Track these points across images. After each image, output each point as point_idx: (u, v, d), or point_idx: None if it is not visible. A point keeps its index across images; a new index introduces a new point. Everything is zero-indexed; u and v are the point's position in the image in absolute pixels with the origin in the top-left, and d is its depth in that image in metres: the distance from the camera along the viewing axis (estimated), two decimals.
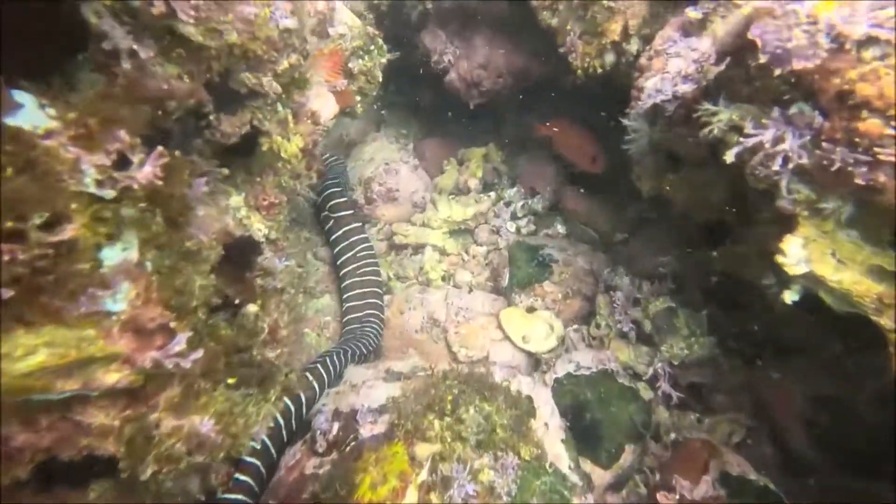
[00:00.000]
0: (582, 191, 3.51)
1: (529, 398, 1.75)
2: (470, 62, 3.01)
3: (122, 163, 0.81)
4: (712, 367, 2.15)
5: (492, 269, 3.25)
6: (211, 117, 1.10)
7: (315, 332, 2.54)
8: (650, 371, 2.22)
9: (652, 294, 2.33)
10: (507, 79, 2.99)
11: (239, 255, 1.11)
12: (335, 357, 1.96)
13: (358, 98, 1.87)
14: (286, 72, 1.14)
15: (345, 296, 2.82)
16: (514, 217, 3.62)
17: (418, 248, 3.43)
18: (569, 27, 1.97)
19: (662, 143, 1.61)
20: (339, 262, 2.93)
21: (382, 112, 4.30)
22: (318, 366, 1.84)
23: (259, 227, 1.28)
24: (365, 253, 2.95)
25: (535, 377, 2.11)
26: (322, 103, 1.51)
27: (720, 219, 1.69)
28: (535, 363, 2.64)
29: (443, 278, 3.25)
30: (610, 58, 1.94)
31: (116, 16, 0.85)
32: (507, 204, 3.73)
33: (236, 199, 1.24)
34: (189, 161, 0.95)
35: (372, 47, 1.80)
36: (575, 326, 2.87)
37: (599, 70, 1.96)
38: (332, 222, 3.04)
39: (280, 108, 1.22)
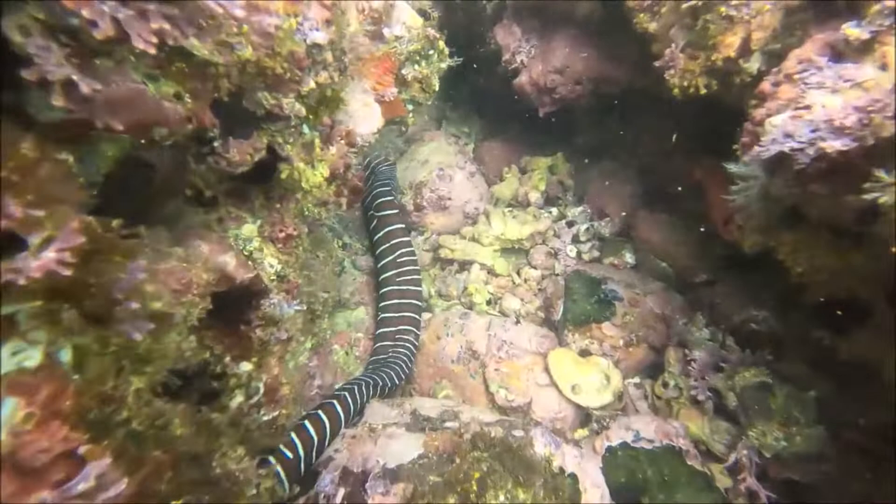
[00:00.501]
0: (662, 216, 3.12)
1: (574, 477, 1.51)
2: (545, 65, 2.74)
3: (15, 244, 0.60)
4: (820, 466, 1.74)
5: (544, 298, 2.98)
6: (216, 143, 0.97)
7: (344, 349, 2.44)
8: (731, 457, 1.86)
9: (741, 362, 1.96)
10: (587, 86, 2.69)
11: (237, 302, 0.98)
12: (356, 391, 1.84)
13: (410, 108, 1.70)
14: (313, 92, 0.99)
15: (381, 304, 2.71)
16: (576, 240, 3.32)
17: (465, 265, 3.25)
18: (671, 34, 1.66)
19: (784, 197, 1.28)
20: (378, 266, 2.84)
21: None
22: (335, 402, 1.73)
23: (271, 263, 1.15)
24: (406, 259, 2.82)
25: (584, 447, 1.84)
26: (364, 116, 1.36)
27: (854, 295, 1.33)
28: (585, 417, 2.37)
29: (488, 302, 3.04)
30: (718, 80, 1.60)
31: (51, 35, 0.64)
32: (570, 224, 3.43)
33: (249, 229, 1.13)
34: (128, 237, 0.72)
35: (431, 52, 1.62)
36: (636, 380, 2.55)
37: (703, 91, 1.63)
38: (376, 221, 2.95)
39: (306, 130, 1.08)
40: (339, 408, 1.74)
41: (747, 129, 1.36)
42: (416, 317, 2.68)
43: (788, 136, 1.12)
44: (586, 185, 3.60)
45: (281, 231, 1.17)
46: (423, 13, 1.73)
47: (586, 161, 3.71)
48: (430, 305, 3.08)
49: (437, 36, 1.61)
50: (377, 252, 2.89)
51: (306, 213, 1.16)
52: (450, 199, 3.36)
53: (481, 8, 2.92)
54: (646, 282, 2.91)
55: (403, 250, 2.84)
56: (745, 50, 1.50)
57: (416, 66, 1.62)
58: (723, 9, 1.45)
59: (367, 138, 1.36)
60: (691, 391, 2.07)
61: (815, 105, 1.11)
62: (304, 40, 0.91)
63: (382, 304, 2.70)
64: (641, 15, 1.89)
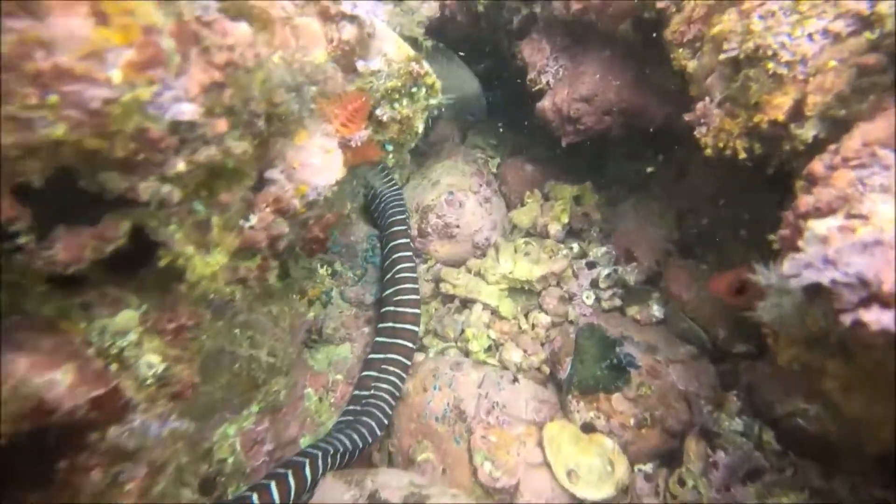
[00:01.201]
0: (699, 268, 2.80)
1: None
2: (571, 90, 2.50)
3: None
4: None
5: (551, 350, 2.75)
6: (24, 239, 0.78)
7: (318, 394, 2.32)
8: None
9: (777, 482, 1.66)
10: (617, 118, 2.43)
11: (69, 434, 0.80)
12: (307, 466, 1.70)
13: (389, 148, 1.53)
14: (195, 170, 0.83)
15: (376, 337, 2.58)
16: (594, 285, 3.05)
17: (467, 303, 3.05)
18: (708, 83, 1.40)
19: (824, 330, 1.01)
20: (383, 289, 2.72)
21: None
22: (272, 485, 1.59)
23: (151, 362, 0.97)
24: (409, 286, 2.68)
25: None
26: (322, 165, 1.20)
27: None
28: None
29: (488, 349, 2.84)
30: (762, 143, 1.33)
31: None
32: (591, 265, 3.16)
33: (127, 317, 0.94)
34: None
35: (415, 89, 1.44)
36: (648, 468, 2.27)
37: (742, 156, 1.36)
38: (387, 248, 2.84)
39: (199, 207, 0.91)
40: (291, 481, 1.61)
41: (788, 220, 1.09)
42: (406, 361, 2.52)
43: (830, 262, 0.86)
44: (615, 222, 3.31)
45: (171, 321, 1.00)
46: (413, 42, 1.56)
47: (617, 194, 3.43)
48: (424, 346, 2.91)
49: (423, 72, 1.43)
50: (383, 279, 2.78)
51: (212, 295, 1.00)
52: (458, 226, 3.17)
53: (507, 20, 2.70)
54: (672, 345, 2.61)
55: (406, 286, 2.70)
56: (799, 114, 1.23)
57: (396, 105, 1.44)
58: (770, 65, 1.18)
59: (323, 191, 1.20)
60: (713, 499, 1.79)
61: (877, 217, 0.84)
62: (163, 116, 0.74)
63: (376, 337, 2.58)
64: (680, 51, 1.63)
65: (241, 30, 0.87)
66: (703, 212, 2.77)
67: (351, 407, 2.36)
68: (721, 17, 1.33)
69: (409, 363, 2.52)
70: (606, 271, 2.95)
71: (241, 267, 1.03)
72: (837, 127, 1.17)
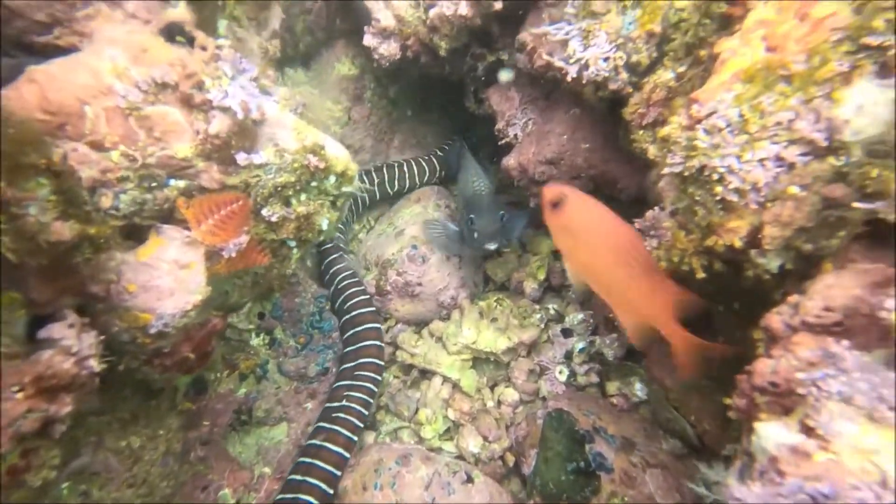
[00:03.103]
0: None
1: None
2: (538, 149, 2.36)
3: None
4: None
5: (516, 439, 2.55)
6: None
7: (236, 494, 2.12)
8: None
9: None
10: (587, 183, 2.27)
11: None
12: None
13: (293, 244, 1.37)
14: None
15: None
16: (569, 357, 2.86)
17: (426, 374, 2.87)
18: (661, 186, 1.24)
19: None
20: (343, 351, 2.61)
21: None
22: None
23: None
24: (371, 349, 2.53)
25: None
26: (172, 286, 1.04)
27: None
28: None
29: (445, 432, 2.64)
30: (724, 263, 1.16)
31: None
32: (567, 333, 2.97)
33: None
34: None
35: (314, 182, 1.28)
36: None
37: (701, 275, 1.19)
38: (341, 305, 2.70)
39: None
40: None
41: (743, 388, 0.92)
42: (348, 445, 2.33)
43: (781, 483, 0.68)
44: None
45: None
46: (337, 120, 1.41)
47: None
48: (376, 422, 2.73)
49: (324, 165, 1.27)
50: (343, 337, 2.64)
51: None
52: (419, 284, 3.01)
53: (472, 66, 2.57)
54: (653, 439, 2.40)
55: (368, 343, 2.55)
56: (757, 243, 1.06)
57: (292, 202, 1.29)
58: (718, 189, 1.02)
59: (173, 320, 1.04)
60: None
61: (838, 441, 0.67)
62: None
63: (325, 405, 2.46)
64: (640, 132, 1.48)
65: None
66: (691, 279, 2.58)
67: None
68: (672, 114, 1.18)
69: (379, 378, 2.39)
70: (582, 345, 2.76)
71: None
72: (808, 261, 1.00)
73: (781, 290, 1.08)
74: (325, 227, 1.35)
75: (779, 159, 0.96)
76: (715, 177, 1.02)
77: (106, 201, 0.97)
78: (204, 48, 1.08)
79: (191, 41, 1.09)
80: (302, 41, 2.73)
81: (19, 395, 0.79)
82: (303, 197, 1.29)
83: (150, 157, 1.01)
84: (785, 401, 0.80)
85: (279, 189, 1.24)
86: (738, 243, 1.06)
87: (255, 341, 2.50)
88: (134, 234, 1.07)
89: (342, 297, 2.75)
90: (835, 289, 0.85)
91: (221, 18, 1.32)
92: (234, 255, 1.16)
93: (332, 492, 2.21)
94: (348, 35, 3.05)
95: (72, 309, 0.93)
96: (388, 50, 2.65)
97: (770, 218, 1.00)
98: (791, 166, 0.97)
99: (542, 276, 3.19)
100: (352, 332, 2.62)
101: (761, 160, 0.97)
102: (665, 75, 1.45)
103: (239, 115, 1.10)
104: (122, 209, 1.02)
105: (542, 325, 2.97)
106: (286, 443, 2.47)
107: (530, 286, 3.16)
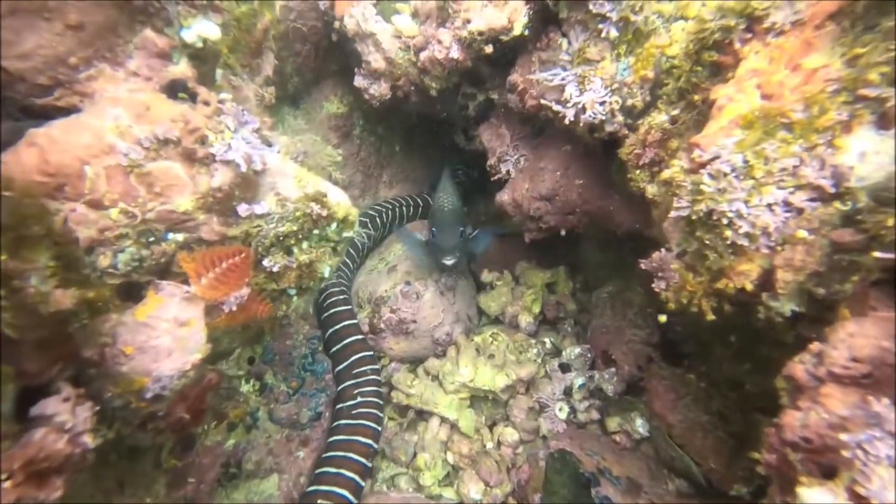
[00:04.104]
0: (686, 379, 2.59)
1: None
2: (532, 185, 2.38)
3: None
4: None
5: (518, 482, 2.48)
6: None
7: None
8: None
9: None
10: (581, 218, 2.30)
11: None
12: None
13: (293, 293, 1.33)
14: None
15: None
16: (569, 393, 2.82)
17: (423, 415, 2.79)
18: (666, 227, 1.25)
19: None
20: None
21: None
22: None
23: None
24: (372, 395, 2.44)
25: None
26: (170, 346, 0.99)
27: None
28: None
29: (445, 477, 2.55)
30: (734, 306, 1.17)
31: None
32: (565, 368, 2.95)
33: None
34: None
35: (316, 231, 1.26)
36: None
37: (710, 317, 1.20)
38: (336, 344, 2.62)
39: None
40: None
41: (772, 443, 0.90)
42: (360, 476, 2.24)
43: None
44: (591, 313, 3.14)
45: None
46: (328, 175, 1.41)
47: (594, 278, 3.28)
48: (373, 468, 2.62)
49: (326, 213, 1.26)
50: (338, 388, 2.56)
51: None
52: (414, 321, 2.96)
53: (462, 105, 2.62)
54: (658, 479, 2.36)
55: (368, 388, 2.48)
56: (769, 286, 1.08)
57: (294, 251, 1.26)
58: (728, 233, 1.04)
59: (170, 383, 0.99)
60: None
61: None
62: None
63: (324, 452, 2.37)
64: (638, 172, 1.51)
65: None
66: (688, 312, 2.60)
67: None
68: (670, 155, 1.21)
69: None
70: (581, 381, 2.73)
71: None
72: (821, 305, 1.02)
73: (793, 333, 1.09)
74: (326, 273, 1.32)
75: (787, 204, 0.98)
76: (724, 221, 1.04)
77: (104, 260, 0.93)
78: (207, 103, 1.07)
79: (193, 96, 1.08)
80: (290, 82, 2.76)
81: (7, 484, 0.73)
82: (304, 245, 1.27)
83: (149, 212, 0.99)
84: (821, 458, 0.79)
85: (281, 238, 1.22)
86: (749, 286, 1.07)
87: (244, 388, 2.41)
88: (131, 291, 1.03)
89: (339, 344, 2.70)
90: (858, 338, 0.85)
91: (217, 68, 1.32)
92: (234, 308, 1.12)
93: None
94: (336, 75, 3.10)
95: (66, 379, 0.88)
96: (379, 90, 2.69)
97: (782, 262, 1.02)
98: (800, 211, 0.99)
99: (536, 310, 3.18)
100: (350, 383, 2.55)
101: (769, 205, 0.99)
102: (659, 117, 1.49)
103: (242, 167, 1.08)
104: (120, 268, 0.98)
105: (540, 360, 2.95)
106: (277, 496, 2.35)
107: (525, 320, 3.15)
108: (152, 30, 1.04)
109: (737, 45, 1.22)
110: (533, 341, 3.09)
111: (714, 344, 2.33)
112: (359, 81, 2.67)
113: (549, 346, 3.14)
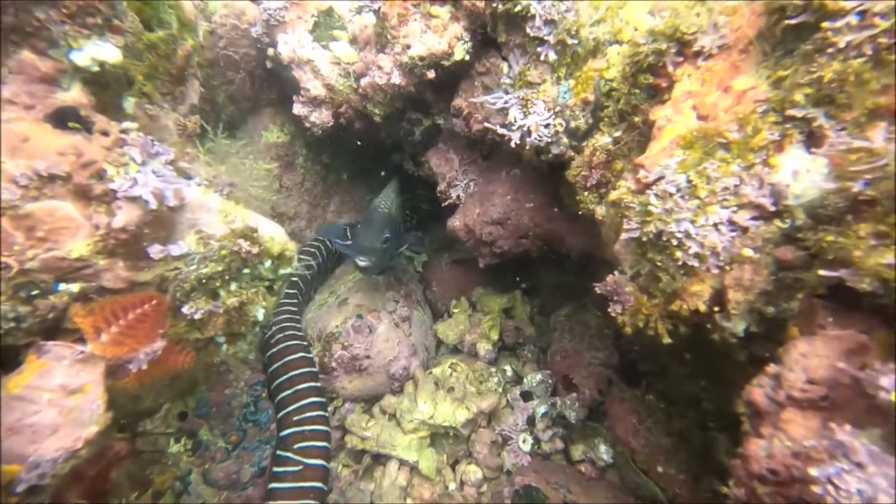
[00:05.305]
0: (646, 401, 2.59)
1: None
2: (483, 210, 2.35)
3: None
4: None
5: None
6: None
7: None
8: None
9: None
10: (535, 241, 2.28)
11: None
12: None
13: (222, 341, 1.19)
14: None
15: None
16: (531, 423, 2.75)
17: (380, 458, 2.63)
18: (617, 249, 1.23)
19: None
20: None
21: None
22: None
23: None
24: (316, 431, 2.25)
25: None
26: (54, 423, 0.83)
27: None
28: None
29: None
30: (690, 326, 1.15)
31: None
32: (527, 396, 2.88)
33: None
34: None
35: (246, 270, 1.14)
36: None
37: (667, 340, 1.17)
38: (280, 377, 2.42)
39: None
40: None
41: (740, 477, 0.86)
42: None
43: None
44: (549, 336, 3.12)
45: None
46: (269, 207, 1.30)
47: (550, 301, 3.28)
48: None
49: (257, 250, 1.15)
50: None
51: None
52: (368, 357, 2.82)
53: (408, 131, 2.58)
54: None
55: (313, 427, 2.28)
56: (721, 305, 1.07)
57: (220, 294, 1.13)
58: (678, 254, 1.03)
59: (51, 468, 0.82)
60: None
61: None
62: None
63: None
64: (586, 194, 1.50)
65: None
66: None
67: None
68: (616, 177, 1.21)
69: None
70: (544, 409, 2.68)
71: None
72: (771, 324, 1.01)
73: (746, 352, 1.08)
74: (260, 316, 1.20)
75: (731, 223, 0.98)
76: (674, 242, 1.02)
77: None
78: (105, 133, 0.95)
79: (88, 126, 0.96)
80: (224, 111, 2.63)
81: None
82: (233, 286, 1.14)
83: (29, 261, 0.85)
84: (790, 491, 0.76)
85: (204, 281, 1.09)
86: (702, 307, 1.06)
87: (173, 448, 2.17)
88: (6, 357, 0.87)
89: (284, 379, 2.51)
90: (811, 358, 0.84)
91: (128, 96, 1.20)
92: (144, 366, 0.98)
93: None
94: (275, 103, 3.00)
95: None
96: (320, 118, 2.61)
97: (731, 282, 1.01)
98: (744, 230, 0.99)
99: (495, 336, 3.13)
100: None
101: (715, 224, 0.99)
102: (602, 139, 1.50)
103: (151, 204, 0.96)
104: None
105: (501, 390, 2.87)
106: None
107: (484, 347, 3.08)
108: (31, 51, 0.92)
109: (670, 69, 1.24)
110: (493, 370, 3.03)
111: (671, 362, 2.35)
112: (298, 109, 2.58)
113: (509, 373, 3.08)
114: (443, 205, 2.66)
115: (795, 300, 0.97)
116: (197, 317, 1.10)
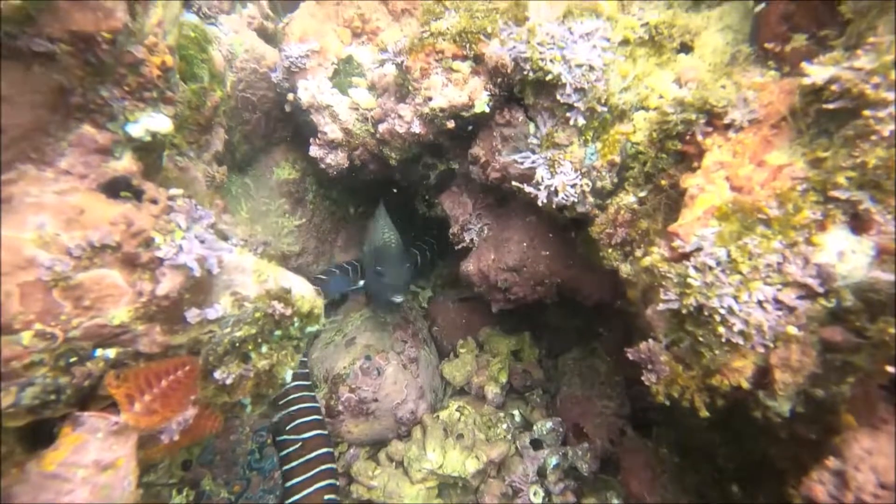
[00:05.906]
0: (660, 453, 2.54)
1: None
2: (498, 256, 2.35)
3: None
4: None
5: None
6: None
7: None
8: None
9: None
10: (550, 289, 2.27)
11: None
12: None
13: (247, 402, 1.16)
14: None
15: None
16: (542, 474, 2.69)
17: None
18: (650, 316, 1.23)
19: None
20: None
21: None
22: None
23: None
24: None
25: None
26: (87, 495, 0.79)
27: None
28: None
29: None
30: (729, 401, 1.14)
31: None
32: (537, 444, 2.83)
33: None
34: None
35: (278, 332, 1.13)
36: None
37: (704, 414, 1.16)
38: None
39: None
40: None
41: None
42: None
43: None
44: (559, 382, 3.08)
45: None
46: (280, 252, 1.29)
47: (559, 343, 3.25)
48: None
49: (290, 312, 1.14)
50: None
51: None
52: (375, 400, 2.77)
53: (423, 175, 2.61)
54: None
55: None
56: (765, 384, 1.06)
57: (252, 357, 1.12)
58: (721, 330, 1.03)
59: None
60: None
61: None
62: None
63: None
64: (610, 251, 1.50)
65: None
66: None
67: None
68: (640, 236, 1.23)
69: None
70: (555, 460, 2.62)
71: None
72: (819, 406, 1.00)
73: (787, 431, 1.07)
74: (288, 378, 1.18)
75: (777, 302, 0.99)
76: (717, 318, 1.02)
77: (6, 398, 0.76)
78: (155, 201, 0.96)
79: (138, 194, 0.96)
80: (239, 150, 2.65)
81: None
82: (264, 349, 1.12)
83: (74, 329, 0.83)
84: None
85: (238, 344, 1.07)
86: (744, 384, 1.05)
87: (176, 500, 2.09)
88: (42, 432, 0.84)
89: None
90: (878, 457, 0.82)
91: (163, 153, 1.21)
92: (176, 437, 0.95)
93: None
94: (287, 141, 3.03)
95: None
96: (336, 160, 2.64)
97: (778, 361, 1.01)
98: (791, 309, 1.00)
99: (503, 379, 3.09)
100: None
101: (760, 302, 0.99)
102: (627, 199, 1.52)
103: (195, 271, 0.96)
104: (24, 404, 0.80)
105: (510, 437, 2.82)
106: None
107: (492, 391, 3.04)
108: (92, 125, 0.93)
109: (699, 138, 1.27)
110: (502, 414, 2.98)
111: (685, 415, 2.31)
112: (315, 151, 2.61)
113: (518, 418, 3.03)
114: (455, 247, 2.66)
115: (846, 384, 0.96)
116: (228, 382, 1.07)
